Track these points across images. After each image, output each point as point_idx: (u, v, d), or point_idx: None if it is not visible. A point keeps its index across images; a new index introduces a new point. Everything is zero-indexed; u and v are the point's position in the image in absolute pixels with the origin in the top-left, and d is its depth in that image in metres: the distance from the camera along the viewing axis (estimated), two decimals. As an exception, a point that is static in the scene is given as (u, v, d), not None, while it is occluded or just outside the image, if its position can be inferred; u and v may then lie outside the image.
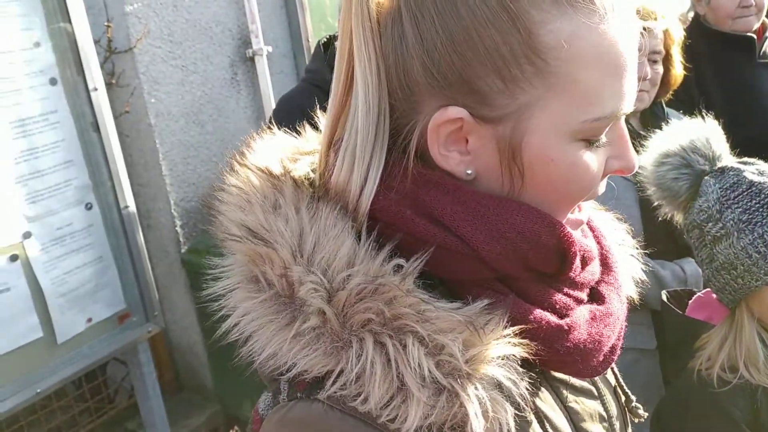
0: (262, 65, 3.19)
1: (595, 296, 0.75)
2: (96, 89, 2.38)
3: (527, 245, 0.65)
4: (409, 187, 0.66)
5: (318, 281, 0.61)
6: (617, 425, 0.82)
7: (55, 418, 2.87)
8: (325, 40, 2.34)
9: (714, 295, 1.39)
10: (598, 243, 0.79)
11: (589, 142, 0.65)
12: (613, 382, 0.88)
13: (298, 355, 0.60)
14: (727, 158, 1.36)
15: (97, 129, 2.43)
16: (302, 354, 0.60)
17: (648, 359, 1.93)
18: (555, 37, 0.60)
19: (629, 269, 0.86)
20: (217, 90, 3.13)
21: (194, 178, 3.09)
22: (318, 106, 2.40)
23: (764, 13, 2.53)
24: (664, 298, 1.47)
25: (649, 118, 2.04)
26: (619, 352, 0.75)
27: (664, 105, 2.12)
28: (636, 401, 0.88)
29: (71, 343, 2.44)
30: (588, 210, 0.76)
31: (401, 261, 0.63)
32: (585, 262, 0.72)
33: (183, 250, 3.06)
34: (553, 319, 0.67)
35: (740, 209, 1.27)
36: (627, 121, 2.14)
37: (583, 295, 0.73)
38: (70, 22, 2.31)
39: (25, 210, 2.27)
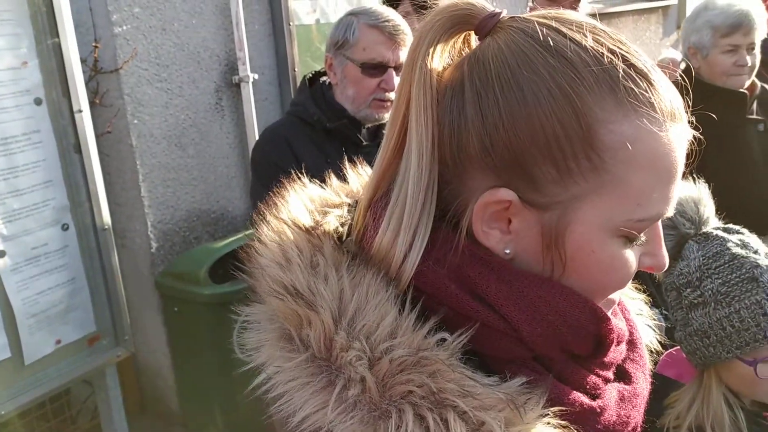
0: (248, 92, 3.21)
1: (622, 374, 0.76)
2: (80, 111, 2.38)
3: (567, 329, 0.66)
4: (457, 262, 0.66)
5: (361, 348, 0.61)
6: None
7: (16, 437, 2.81)
8: (311, 75, 2.38)
9: (684, 354, 1.43)
10: (626, 319, 0.80)
11: (629, 239, 0.67)
12: None
13: (335, 420, 0.60)
14: (713, 223, 1.39)
15: (79, 150, 2.42)
16: (339, 419, 0.60)
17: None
18: (615, 138, 0.62)
19: (644, 339, 0.87)
20: (201, 114, 3.13)
21: (173, 200, 3.07)
22: (301, 138, 2.40)
23: (755, 73, 2.63)
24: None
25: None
26: (639, 429, 0.76)
27: None
28: None
29: (39, 364, 2.40)
30: (619, 295, 0.76)
31: (446, 335, 0.63)
32: (616, 343, 0.74)
33: (157, 273, 3.03)
34: (586, 401, 0.68)
35: (720, 281, 1.30)
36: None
37: (610, 373, 0.74)
38: (59, 43, 2.31)
39: (1, 229, 2.24)
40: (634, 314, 0.86)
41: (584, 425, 0.66)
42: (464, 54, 0.70)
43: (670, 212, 0.68)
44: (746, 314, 1.26)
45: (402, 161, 0.68)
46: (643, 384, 0.77)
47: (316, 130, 2.20)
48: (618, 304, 0.80)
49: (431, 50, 0.66)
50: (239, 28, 3.12)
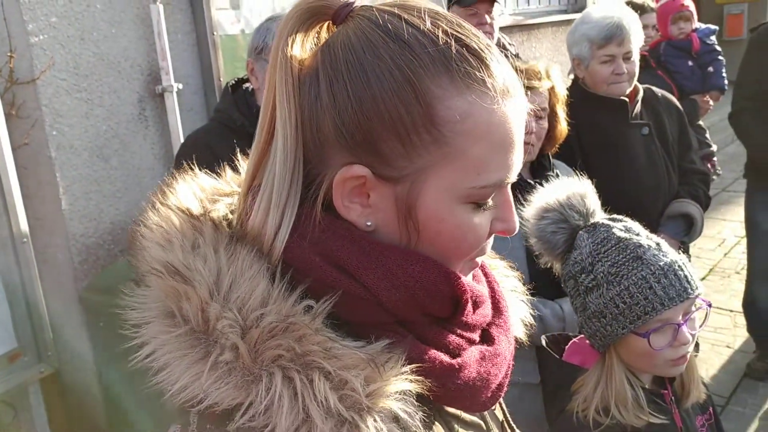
0: (172, 102, 3.19)
1: (486, 337, 0.83)
2: (-6, 121, 2.33)
3: (424, 293, 0.72)
4: (318, 235, 0.71)
5: (234, 318, 0.65)
6: None
7: (-69, 465, 2.69)
8: (233, 82, 2.40)
9: (587, 341, 1.52)
10: (491, 288, 0.87)
11: (477, 205, 0.73)
12: (500, 416, 0.97)
13: (210, 388, 0.64)
14: (599, 214, 1.50)
15: (-6, 162, 2.36)
16: (214, 387, 0.64)
17: (533, 393, 2.04)
18: (451, 113, 0.68)
19: (519, 313, 0.96)
20: (124, 125, 3.09)
21: (96, 213, 3.02)
22: (225, 144, 2.45)
23: (635, 79, 2.77)
24: (543, 343, 1.59)
25: (537, 169, 2.19)
26: (505, 388, 0.83)
27: (551, 157, 2.28)
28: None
29: (-46, 384, 2.32)
30: (481, 259, 0.82)
31: (311, 302, 0.68)
32: (476, 306, 0.80)
33: (81, 287, 2.97)
34: (446, 358, 0.73)
35: (609, 263, 1.40)
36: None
37: (476, 336, 0.81)
38: (-31, 52, 2.26)
39: None
40: (507, 290, 0.93)
41: (444, 381, 0.73)
42: None
43: (512, 178, 0.75)
44: (635, 290, 1.36)
45: (272, 146, 0.74)
46: (505, 345, 0.83)
47: (239, 135, 2.22)
48: (486, 276, 0.87)
49: (290, 40, 0.72)
50: (161, 38, 3.11)
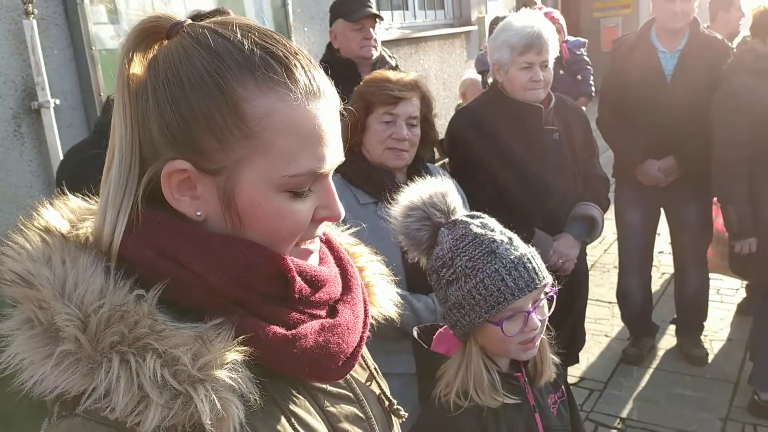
0: (49, 118, 3.11)
1: (331, 312, 0.91)
2: None
3: (248, 273, 0.80)
4: (150, 231, 0.79)
5: (73, 313, 0.72)
6: (377, 425, 0.99)
7: None
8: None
9: (450, 330, 1.63)
10: (343, 269, 0.95)
11: (295, 194, 0.82)
12: (377, 391, 1.05)
13: (58, 379, 0.70)
14: (460, 212, 1.60)
15: None
16: (62, 378, 0.70)
17: (414, 383, 2.13)
18: (256, 111, 0.77)
19: (388, 293, 1.06)
20: (-2, 143, 2.99)
21: (-31, 234, 2.89)
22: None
23: (549, 86, 2.90)
24: (415, 334, 1.68)
25: (412, 173, 2.31)
26: (359, 358, 0.91)
27: (425, 161, 2.42)
28: (397, 404, 1.07)
29: None
30: (318, 243, 0.91)
31: (142, 291, 0.76)
32: (316, 285, 0.87)
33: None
34: (279, 330, 0.81)
35: (467, 257, 1.51)
36: (393, 176, 2.35)
37: (322, 312, 0.89)
38: None
39: None
40: (376, 273, 1.04)
41: (280, 350, 0.81)
42: None
43: (327, 168, 0.84)
44: (489, 282, 1.48)
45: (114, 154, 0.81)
46: (348, 318, 0.91)
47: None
48: (341, 260, 0.96)
49: (126, 59, 0.81)
50: (36, 53, 3.03)
